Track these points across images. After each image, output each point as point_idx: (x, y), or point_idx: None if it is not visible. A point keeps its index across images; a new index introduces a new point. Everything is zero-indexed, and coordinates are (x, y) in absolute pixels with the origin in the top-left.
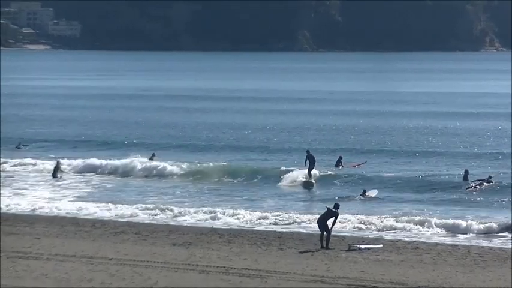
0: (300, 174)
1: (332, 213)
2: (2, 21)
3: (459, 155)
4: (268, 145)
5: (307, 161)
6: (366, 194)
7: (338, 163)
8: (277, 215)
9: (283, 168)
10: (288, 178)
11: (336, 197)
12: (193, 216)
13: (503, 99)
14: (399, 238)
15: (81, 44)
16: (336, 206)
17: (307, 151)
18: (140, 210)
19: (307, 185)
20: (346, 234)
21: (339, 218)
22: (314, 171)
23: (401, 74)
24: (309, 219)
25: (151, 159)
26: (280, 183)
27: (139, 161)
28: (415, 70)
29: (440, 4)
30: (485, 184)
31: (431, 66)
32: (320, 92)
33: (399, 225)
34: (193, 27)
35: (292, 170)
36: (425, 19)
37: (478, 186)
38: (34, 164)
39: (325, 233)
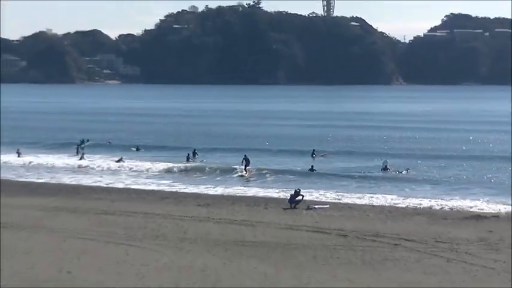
0: (241, 169)
1: (298, 194)
2: (90, 66)
3: (379, 153)
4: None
5: (244, 161)
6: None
7: (312, 154)
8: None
9: (234, 166)
10: (237, 171)
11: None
12: (209, 188)
13: (409, 117)
14: (339, 202)
15: (140, 80)
16: (299, 190)
17: (245, 155)
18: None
19: (243, 176)
20: (306, 199)
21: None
22: (249, 168)
23: (345, 99)
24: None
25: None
26: (235, 175)
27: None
28: (353, 96)
29: (368, 53)
30: (404, 172)
31: (361, 94)
32: (290, 111)
33: (339, 195)
34: (212, 69)
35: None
36: (358, 62)
37: (395, 172)
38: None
39: (294, 203)
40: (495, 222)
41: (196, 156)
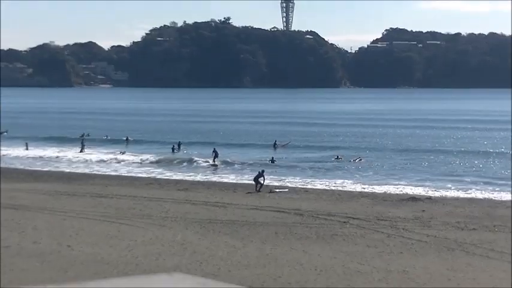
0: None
1: (260, 175)
2: (86, 72)
3: (331, 146)
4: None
5: (214, 153)
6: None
7: (274, 145)
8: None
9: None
10: (209, 162)
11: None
12: (187, 176)
13: (356, 115)
14: (297, 186)
15: (128, 84)
16: (262, 171)
17: (214, 148)
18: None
19: (215, 166)
20: (269, 184)
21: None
22: (218, 159)
23: (301, 100)
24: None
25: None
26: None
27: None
28: (308, 97)
29: (321, 61)
30: (354, 161)
31: (315, 95)
32: (254, 110)
33: (297, 181)
34: (189, 75)
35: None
36: (312, 69)
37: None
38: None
39: (258, 184)
40: (427, 203)
41: (181, 148)
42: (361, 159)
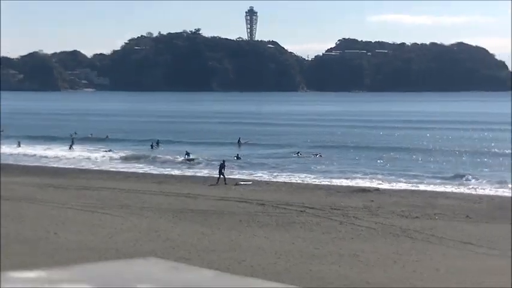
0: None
1: (222, 165)
2: (71, 77)
3: (292, 144)
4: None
5: (186, 153)
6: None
7: (238, 142)
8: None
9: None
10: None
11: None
12: (163, 170)
13: (313, 116)
14: (260, 180)
15: (109, 88)
16: (223, 162)
17: (186, 151)
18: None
19: (188, 161)
20: (235, 177)
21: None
22: (189, 156)
23: (265, 102)
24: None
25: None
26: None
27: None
28: (271, 100)
29: (281, 68)
30: (313, 157)
31: (276, 98)
32: (219, 111)
33: (260, 175)
34: (164, 80)
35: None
36: (273, 75)
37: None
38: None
39: (221, 175)
40: (376, 194)
41: (160, 145)
42: (320, 155)
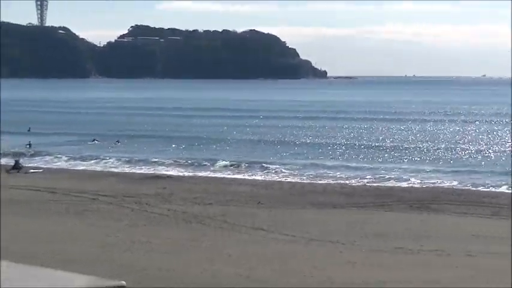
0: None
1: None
2: None
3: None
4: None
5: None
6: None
7: (29, 130)
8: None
9: None
10: None
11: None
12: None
13: (109, 103)
14: (52, 167)
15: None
16: (18, 159)
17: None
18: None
19: None
20: (26, 165)
21: None
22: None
23: (56, 89)
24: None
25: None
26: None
27: None
28: (59, 87)
29: (72, 54)
30: (116, 143)
31: (65, 85)
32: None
33: (54, 161)
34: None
35: None
36: (65, 61)
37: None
38: None
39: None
40: (169, 181)
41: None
42: (118, 142)
